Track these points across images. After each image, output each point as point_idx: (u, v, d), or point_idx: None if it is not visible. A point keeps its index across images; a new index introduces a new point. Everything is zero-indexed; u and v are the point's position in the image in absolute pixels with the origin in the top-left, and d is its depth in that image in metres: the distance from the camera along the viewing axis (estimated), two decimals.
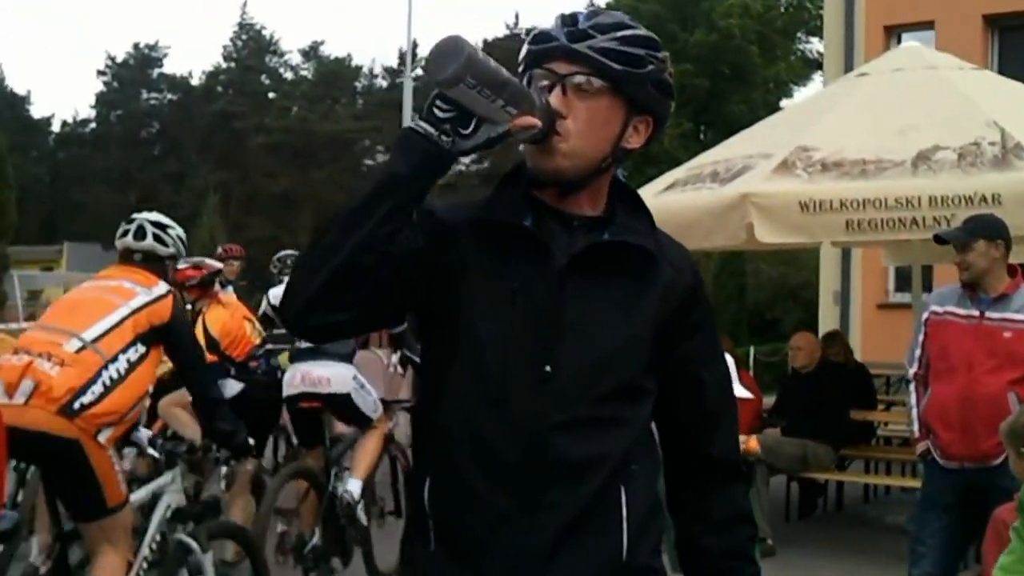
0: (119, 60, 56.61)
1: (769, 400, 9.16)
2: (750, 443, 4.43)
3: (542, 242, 2.12)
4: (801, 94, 35.27)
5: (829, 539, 8.11)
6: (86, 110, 69.78)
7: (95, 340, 4.28)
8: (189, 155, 52.97)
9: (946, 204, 6.78)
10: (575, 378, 2.08)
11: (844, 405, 8.35)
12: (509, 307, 2.09)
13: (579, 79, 2.09)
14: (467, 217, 2.16)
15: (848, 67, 13.10)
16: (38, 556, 5.63)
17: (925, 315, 5.61)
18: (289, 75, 58.01)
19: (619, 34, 2.09)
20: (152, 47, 57.30)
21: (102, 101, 56.81)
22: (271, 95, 56.55)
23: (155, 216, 4.96)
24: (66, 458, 4.12)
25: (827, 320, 14.09)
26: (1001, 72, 11.39)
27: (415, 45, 21.21)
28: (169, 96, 57.35)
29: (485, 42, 54.71)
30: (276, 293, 9.08)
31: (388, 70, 55.17)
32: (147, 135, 56.22)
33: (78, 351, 4.23)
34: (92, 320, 4.34)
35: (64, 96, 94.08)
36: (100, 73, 57.78)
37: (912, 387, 5.67)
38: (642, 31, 2.13)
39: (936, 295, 5.71)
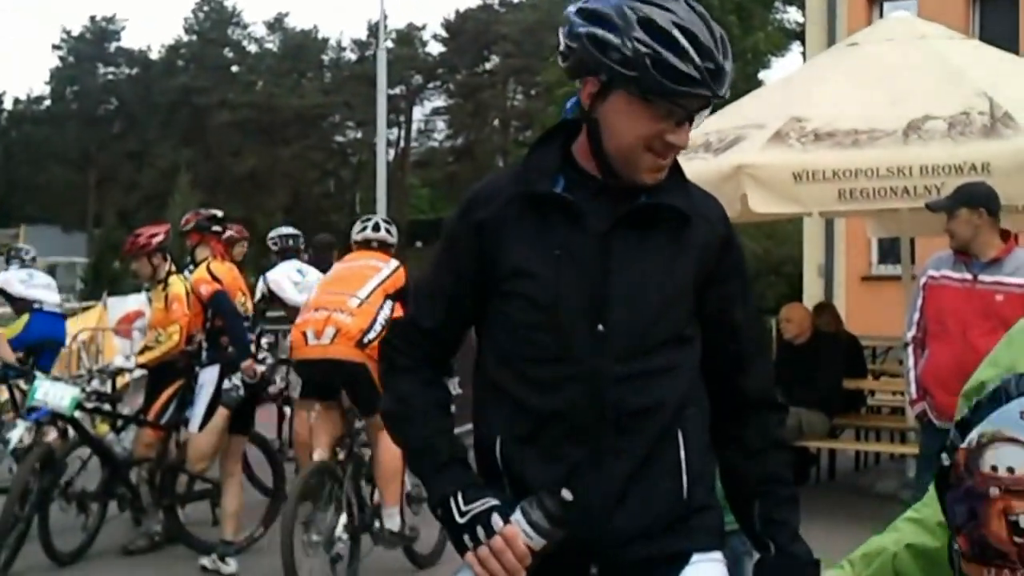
0: (75, 34, 55.83)
1: None
2: None
3: (577, 208, 2.23)
4: (780, 65, 35.42)
5: (822, 507, 8.17)
6: (40, 86, 69.09)
7: (367, 297, 6.25)
8: (150, 133, 52.37)
9: (936, 173, 6.84)
10: (627, 334, 2.21)
11: (838, 374, 8.42)
12: (554, 272, 2.22)
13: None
14: (504, 196, 2.29)
15: (831, 37, 13.14)
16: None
17: (923, 279, 5.74)
18: (253, 48, 57.50)
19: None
20: (109, 20, 56.50)
21: (57, 77, 56.11)
22: (235, 69, 56.03)
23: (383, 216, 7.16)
24: (360, 376, 6.00)
25: (812, 293, 14.19)
26: (982, 37, 11.46)
27: (386, 17, 21.06)
28: (127, 71, 56.59)
29: (457, 13, 54.47)
30: (274, 277, 9.01)
31: (357, 43, 54.72)
32: (105, 112, 55.47)
33: (359, 305, 6.21)
34: (360, 285, 6.32)
35: (17, 72, 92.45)
36: (55, 47, 57.11)
37: (910, 350, 5.81)
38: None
39: (933, 260, 5.85)
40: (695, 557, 2.29)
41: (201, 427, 6.69)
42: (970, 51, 8.45)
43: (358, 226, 6.93)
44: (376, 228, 6.82)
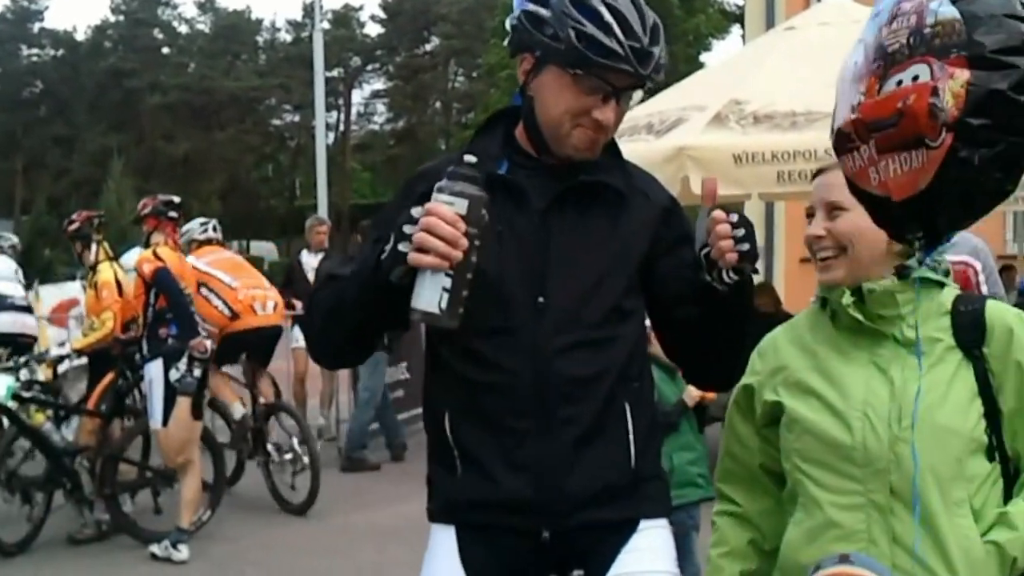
0: None
1: None
2: (709, 394, 4.52)
3: (519, 187, 2.33)
4: (721, 47, 35.63)
5: None
6: None
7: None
8: (78, 117, 51.34)
9: None
10: (567, 306, 2.30)
11: None
12: (497, 247, 2.27)
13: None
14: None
15: (769, 21, 13.26)
16: None
17: None
18: (184, 29, 56.56)
19: None
20: (31, 0, 55.06)
21: None
22: (165, 51, 55.07)
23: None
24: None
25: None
26: None
27: None
28: (52, 53, 55.31)
29: None
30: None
31: (292, 23, 54.11)
32: (30, 95, 54.13)
33: (269, 285, 8.62)
34: (252, 270, 8.70)
35: None
36: None
37: None
38: None
39: None
40: (643, 524, 2.38)
41: (164, 422, 6.64)
42: None
43: (199, 227, 8.69)
44: (215, 229, 8.70)
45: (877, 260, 2.25)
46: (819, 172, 2.37)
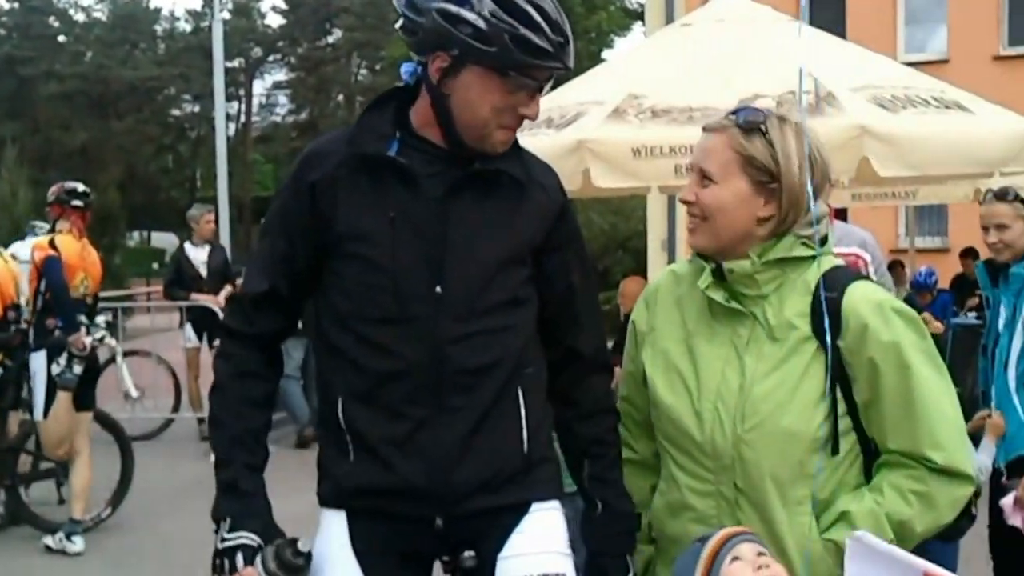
0: None
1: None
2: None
3: (412, 172, 2.31)
4: (622, 44, 35.88)
5: None
6: None
7: None
8: None
9: None
10: (464, 295, 2.32)
11: None
12: (389, 234, 2.29)
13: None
14: (337, 157, 2.34)
15: (669, 17, 13.45)
16: None
17: None
18: (80, 17, 55.29)
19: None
20: None
21: None
22: (61, 39, 53.76)
23: None
24: None
25: (655, 267, 14.48)
26: (812, 21, 11.89)
27: None
28: None
29: None
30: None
31: (192, 13, 53.29)
32: None
33: None
34: None
35: None
36: None
37: None
38: None
39: None
40: (534, 506, 2.44)
41: (45, 414, 6.58)
42: (796, 32, 8.82)
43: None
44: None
45: (739, 238, 2.27)
46: (705, 128, 2.38)
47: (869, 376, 2.23)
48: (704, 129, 2.39)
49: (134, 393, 8.25)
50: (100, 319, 7.57)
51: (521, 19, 2.21)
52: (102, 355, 7.36)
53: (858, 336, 2.23)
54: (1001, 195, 4.49)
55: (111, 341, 9.40)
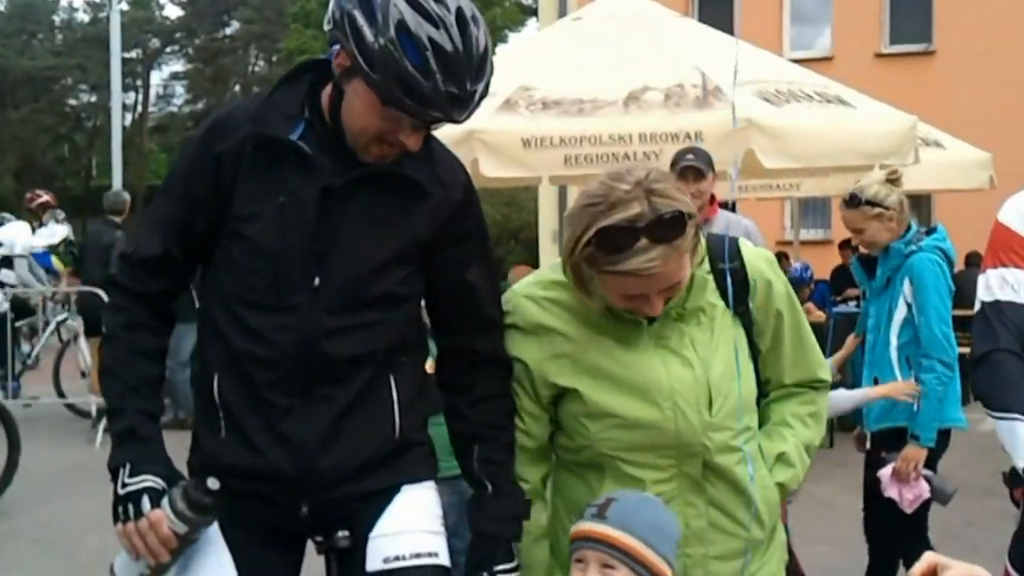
0: None
1: None
2: None
3: (311, 159, 2.24)
4: (516, 39, 36.02)
5: None
6: None
7: None
8: None
9: (654, 140, 7.31)
10: (341, 289, 2.26)
11: None
12: (277, 220, 2.24)
13: None
14: (244, 132, 2.26)
15: (562, 12, 13.61)
16: None
17: None
18: None
19: None
20: None
21: None
22: None
23: None
24: None
25: (547, 257, 14.66)
26: (701, 19, 12.17)
27: None
28: None
29: None
30: None
31: (90, 3, 52.09)
32: None
33: None
34: None
35: None
36: None
37: None
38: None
39: None
40: (405, 487, 2.40)
41: None
42: (684, 28, 9.03)
43: None
44: None
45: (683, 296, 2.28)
46: (631, 274, 2.11)
47: (775, 326, 2.38)
48: (645, 273, 2.11)
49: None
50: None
51: (414, 59, 2.07)
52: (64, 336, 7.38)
53: (765, 294, 2.36)
54: (850, 202, 4.57)
55: (73, 323, 10.40)
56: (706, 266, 2.31)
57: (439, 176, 2.34)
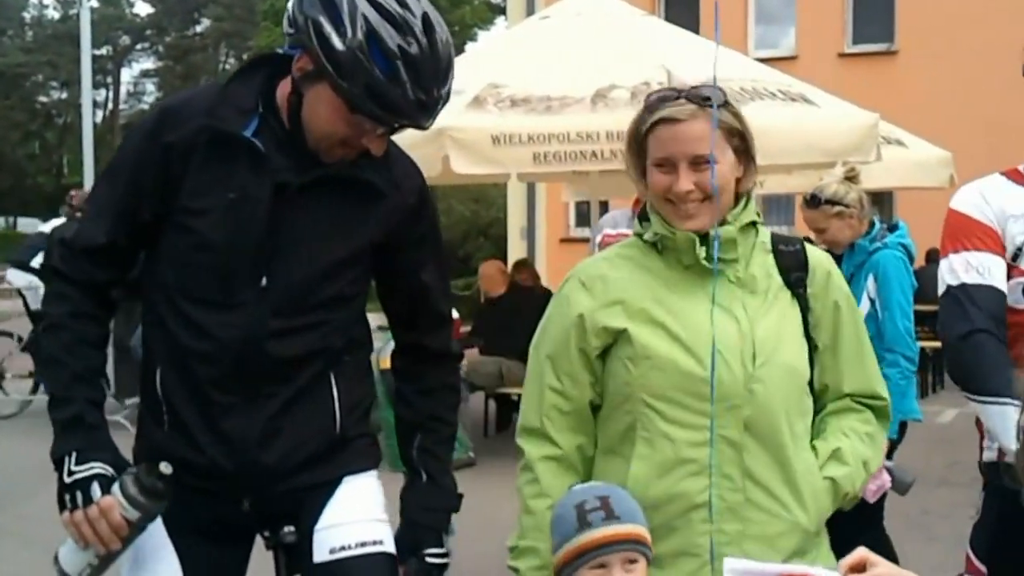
0: None
1: (466, 330, 9.68)
2: None
3: (264, 158, 2.22)
4: (485, 37, 36.13)
5: None
6: None
7: None
8: None
9: (622, 138, 7.31)
10: (289, 290, 2.26)
11: (534, 325, 8.96)
12: (225, 215, 2.23)
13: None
14: (196, 123, 2.23)
15: (531, 11, 13.73)
16: None
17: (598, 237, 6.14)
18: None
19: None
20: None
21: None
22: None
23: None
24: None
25: (515, 254, 14.80)
26: (667, 18, 12.33)
27: None
28: None
29: None
30: None
31: (60, 0, 51.86)
32: None
33: None
34: None
35: None
36: None
37: None
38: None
39: (609, 218, 6.33)
40: (347, 478, 2.43)
41: None
42: (650, 27, 9.16)
43: None
44: None
45: (730, 207, 2.34)
46: (663, 121, 2.30)
47: (833, 318, 2.37)
48: (673, 119, 2.30)
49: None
50: None
51: (384, 67, 2.08)
52: None
53: (823, 283, 2.37)
54: (811, 202, 4.65)
55: None
56: (768, 244, 2.38)
57: (395, 179, 2.34)
